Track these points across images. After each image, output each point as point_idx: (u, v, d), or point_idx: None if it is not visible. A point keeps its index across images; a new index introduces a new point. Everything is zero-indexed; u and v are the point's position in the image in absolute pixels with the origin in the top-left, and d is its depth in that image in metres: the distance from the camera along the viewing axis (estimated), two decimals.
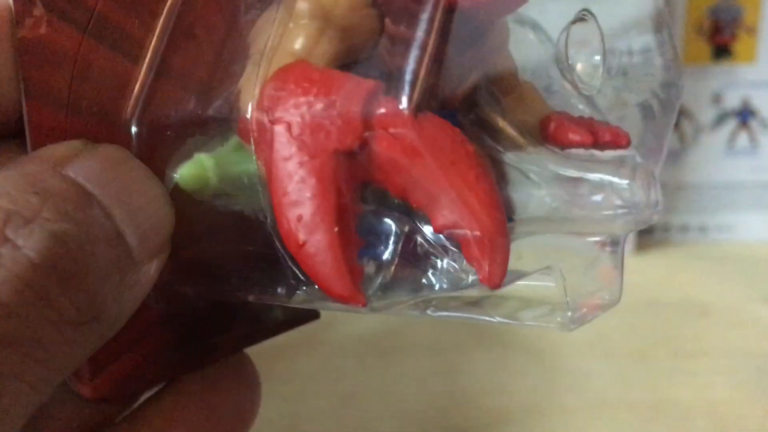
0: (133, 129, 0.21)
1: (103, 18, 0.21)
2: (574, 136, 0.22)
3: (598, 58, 0.23)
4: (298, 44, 0.19)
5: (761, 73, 0.62)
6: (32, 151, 0.20)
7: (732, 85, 0.63)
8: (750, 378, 0.45)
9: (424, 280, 0.20)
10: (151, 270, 0.18)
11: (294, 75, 0.19)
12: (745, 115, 0.63)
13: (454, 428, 0.43)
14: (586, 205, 0.23)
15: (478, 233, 0.18)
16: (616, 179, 0.23)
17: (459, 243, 0.19)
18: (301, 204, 0.18)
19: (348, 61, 0.20)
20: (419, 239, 0.20)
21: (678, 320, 0.52)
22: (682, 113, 0.63)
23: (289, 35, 0.20)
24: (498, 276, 0.18)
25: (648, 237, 0.64)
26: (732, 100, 0.63)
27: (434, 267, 0.20)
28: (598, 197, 0.23)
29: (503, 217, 0.18)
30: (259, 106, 0.19)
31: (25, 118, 0.20)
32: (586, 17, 0.23)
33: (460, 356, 0.48)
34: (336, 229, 0.18)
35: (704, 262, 0.60)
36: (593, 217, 0.23)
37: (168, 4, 0.22)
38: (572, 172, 0.23)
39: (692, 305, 0.53)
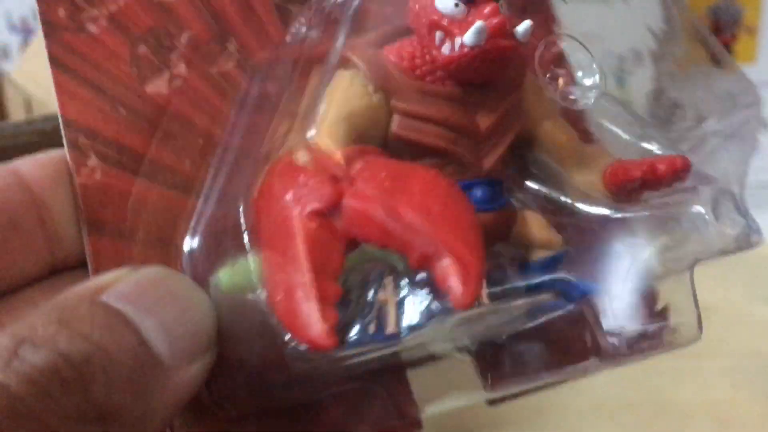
0: (186, 248, 0.24)
1: (155, 162, 0.24)
2: (635, 172, 0.24)
3: (589, 81, 0.24)
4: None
5: (761, 74, 0.62)
6: (92, 276, 0.22)
7: None
8: (750, 378, 0.45)
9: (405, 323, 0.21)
10: (191, 372, 0.20)
11: (277, 169, 0.21)
12: None
13: (454, 428, 0.43)
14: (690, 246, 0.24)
15: (449, 259, 0.19)
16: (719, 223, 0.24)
17: (435, 275, 0.19)
18: (283, 265, 0.19)
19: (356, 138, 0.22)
20: (402, 284, 0.21)
21: None
22: None
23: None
24: (469, 295, 0.18)
25: None
26: None
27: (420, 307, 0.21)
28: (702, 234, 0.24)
29: (474, 238, 0.19)
30: (250, 203, 0.22)
31: (87, 249, 0.23)
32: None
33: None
34: (315, 283, 0.19)
35: (705, 262, 0.60)
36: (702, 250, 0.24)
37: (221, 147, 0.25)
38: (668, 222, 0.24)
39: None
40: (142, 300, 0.20)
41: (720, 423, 0.43)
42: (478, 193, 0.23)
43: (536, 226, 0.24)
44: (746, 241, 0.24)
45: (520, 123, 0.24)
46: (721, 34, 0.62)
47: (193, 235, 0.24)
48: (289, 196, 0.20)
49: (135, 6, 0.25)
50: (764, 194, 0.64)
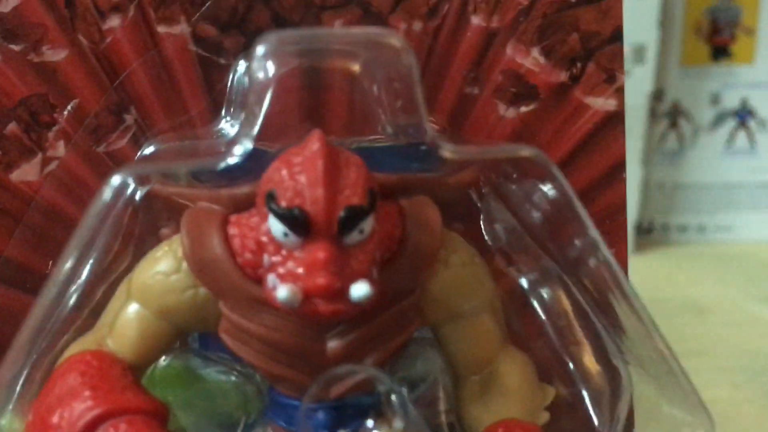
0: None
1: (12, 264, 0.21)
2: None
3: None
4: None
5: (759, 74, 0.62)
6: None
7: (730, 85, 0.63)
8: (749, 378, 0.46)
9: None
10: None
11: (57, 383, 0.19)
12: (743, 115, 0.63)
13: None
14: None
15: None
16: None
17: None
18: None
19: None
20: None
21: (677, 320, 0.52)
22: (682, 114, 0.63)
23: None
24: None
25: (647, 237, 0.64)
26: (730, 101, 0.63)
27: None
28: None
29: None
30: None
31: None
32: None
33: None
34: None
35: (703, 262, 0.60)
36: None
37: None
38: None
39: (691, 305, 0.53)
40: None
41: (719, 423, 0.43)
42: (320, 416, 0.20)
43: None
44: None
45: (400, 340, 0.19)
46: (720, 34, 0.62)
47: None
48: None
49: (6, 70, 0.21)
50: (764, 194, 0.65)
